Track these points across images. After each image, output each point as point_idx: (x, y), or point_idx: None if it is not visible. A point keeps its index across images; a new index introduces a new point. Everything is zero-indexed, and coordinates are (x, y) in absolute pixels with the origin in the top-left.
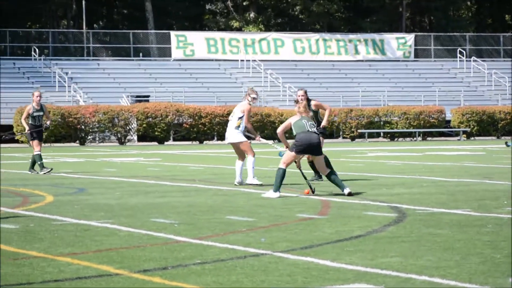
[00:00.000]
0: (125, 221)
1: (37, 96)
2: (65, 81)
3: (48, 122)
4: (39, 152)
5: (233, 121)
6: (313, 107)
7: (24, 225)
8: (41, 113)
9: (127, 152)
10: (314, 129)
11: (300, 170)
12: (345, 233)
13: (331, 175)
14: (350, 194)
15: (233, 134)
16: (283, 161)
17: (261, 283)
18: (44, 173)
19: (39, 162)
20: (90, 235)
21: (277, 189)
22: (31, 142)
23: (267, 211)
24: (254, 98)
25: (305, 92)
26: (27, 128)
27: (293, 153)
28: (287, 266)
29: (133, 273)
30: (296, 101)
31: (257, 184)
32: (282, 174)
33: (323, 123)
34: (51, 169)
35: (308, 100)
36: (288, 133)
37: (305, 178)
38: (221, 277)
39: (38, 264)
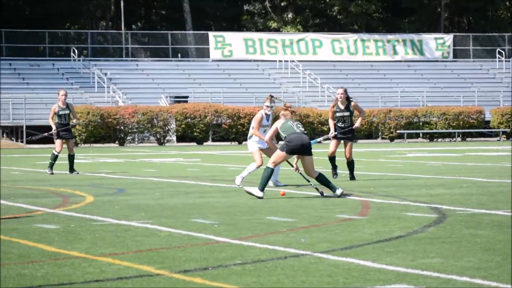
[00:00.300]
0: (165, 221)
1: (62, 95)
2: (104, 82)
3: (74, 121)
4: (56, 153)
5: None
6: (351, 107)
7: (65, 225)
8: (67, 112)
9: (166, 153)
10: (302, 129)
11: (300, 173)
12: (385, 234)
13: (320, 177)
14: (342, 194)
15: (248, 143)
16: (272, 161)
17: (302, 283)
18: (48, 173)
19: (51, 161)
20: (131, 236)
21: (263, 188)
22: (55, 141)
23: (307, 212)
24: (267, 106)
25: (345, 90)
26: (54, 127)
27: (283, 153)
28: (328, 267)
29: (173, 273)
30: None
31: (236, 183)
32: (269, 174)
33: (356, 124)
34: (52, 174)
35: (348, 99)
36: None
37: (308, 181)
38: (262, 278)
39: (79, 264)
